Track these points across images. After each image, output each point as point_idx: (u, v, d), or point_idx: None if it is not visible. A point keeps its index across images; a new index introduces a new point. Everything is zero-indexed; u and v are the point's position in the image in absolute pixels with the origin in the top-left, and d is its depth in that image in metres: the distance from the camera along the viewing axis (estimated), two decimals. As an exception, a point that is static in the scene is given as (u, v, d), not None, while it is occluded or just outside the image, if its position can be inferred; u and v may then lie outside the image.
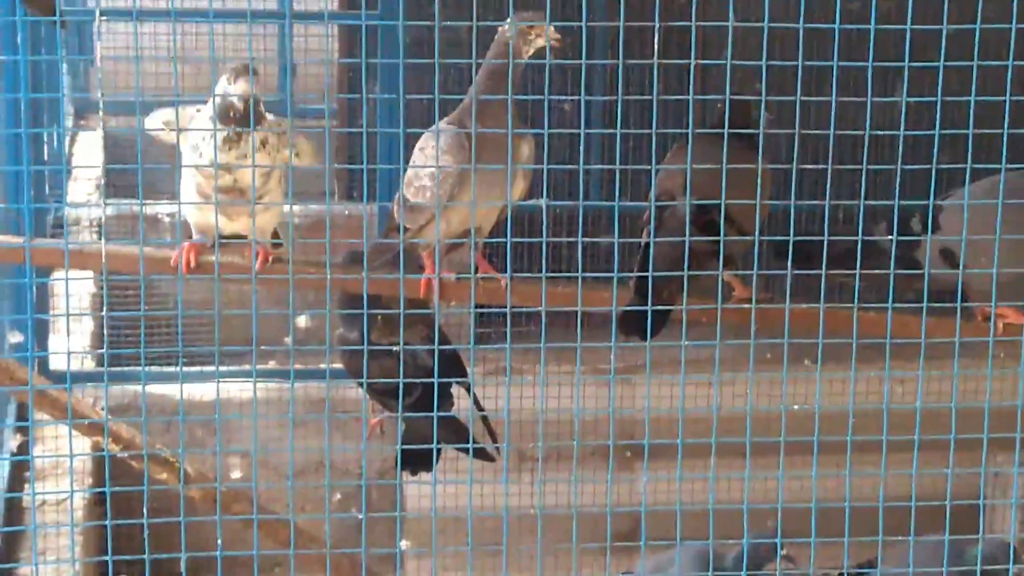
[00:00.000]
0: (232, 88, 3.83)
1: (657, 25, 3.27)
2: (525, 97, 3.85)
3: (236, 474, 5.29)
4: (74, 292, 5.58)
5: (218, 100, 3.84)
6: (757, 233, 3.78)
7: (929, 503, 3.78)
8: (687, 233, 3.70)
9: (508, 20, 3.81)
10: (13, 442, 5.72)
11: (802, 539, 4.13)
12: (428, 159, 3.90)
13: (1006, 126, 3.42)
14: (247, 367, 5.55)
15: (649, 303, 3.68)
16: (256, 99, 3.86)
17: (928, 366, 3.64)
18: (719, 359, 3.53)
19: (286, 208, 4.08)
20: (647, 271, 3.74)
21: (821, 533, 3.99)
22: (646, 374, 3.67)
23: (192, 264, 3.93)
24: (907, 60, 3.39)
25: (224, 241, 3.99)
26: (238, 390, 5.83)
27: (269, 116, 3.97)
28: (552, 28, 3.81)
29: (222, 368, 5.50)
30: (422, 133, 3.98)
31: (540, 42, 3.81)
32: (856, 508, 3.69)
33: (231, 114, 3.83)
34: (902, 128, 3.45)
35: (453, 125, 3.89)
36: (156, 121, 3.94)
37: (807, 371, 3.82)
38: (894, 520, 3.82)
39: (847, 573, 4.67)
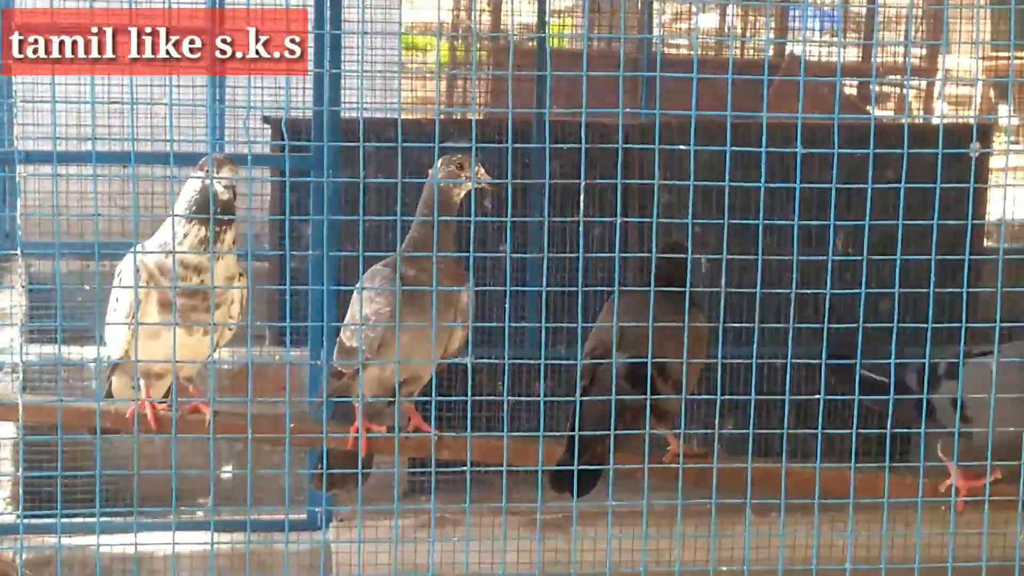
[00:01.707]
0: (217, 182, 3.84)
1: (582, 182, 3.37)
2: (458, 254, 3.92)
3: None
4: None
5: (195, 193, 3.89)
6: (684, 389, 3.88)
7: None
8: (618, 390, 3.74)
9: (439, 162, 3.83)
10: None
11: None
12: (362, 307, 3.91)
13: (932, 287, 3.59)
14: (170, 519, 5.58)
15: (575, 462, 3.73)
16: (235, 189, 3.89)
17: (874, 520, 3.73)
18: (646, 516, 3.62)
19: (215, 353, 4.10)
20: (577, 429, 3.80)
21: None
22: (573, 531, 3.75)
23: (154, 418, 3.98)
24: (832, 218, 3.53)
25: (163, 400, 4.04)
26: (163, 544, 5.85)
27: None
28: (481, 169, 3.88)
29: (143, 520, 5.55)
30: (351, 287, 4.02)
31: (470, 184, 3.87)
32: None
33: (215, 207, 3.81)
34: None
35: (390, 268, 3.92)
36: (128, 266, 3.94)
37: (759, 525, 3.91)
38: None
39: None
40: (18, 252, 7.28)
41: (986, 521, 3.90)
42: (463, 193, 3.90)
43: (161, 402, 4.08)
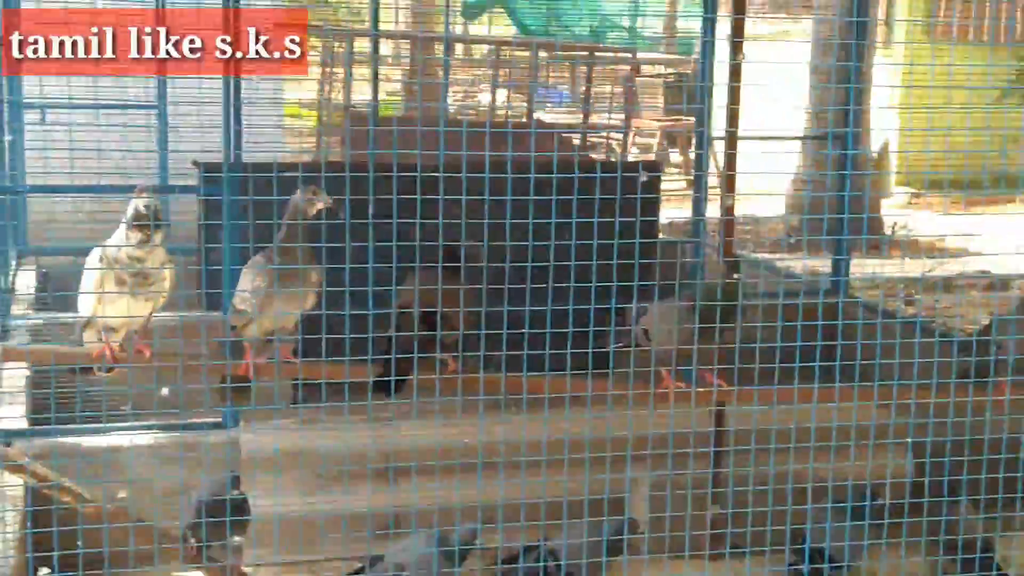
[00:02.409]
0: (140, 202, 3.77)
1: (371, 198, 3.39)
2: (311, 245, 3.90)
3: (122, 494, 5.09)
4: (15, 375, 5.47)
5: (135, 210, 3.79)
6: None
7: (579, 497, 4.08)
8: (415, 328, 3.80)
9: (299, 189, 3.91)
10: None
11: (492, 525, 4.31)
12: (247, 282, 3.94)
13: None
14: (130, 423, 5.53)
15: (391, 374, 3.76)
16: (157, 208, 3.82)
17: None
18: (416, 409, 3.63)
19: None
20: (390, 354, 3.80)
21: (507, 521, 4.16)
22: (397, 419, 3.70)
23: (112, 357, 3.88)
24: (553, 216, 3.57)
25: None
26: (128, 439, 5.67)
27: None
28: (327, 196, 3.91)
29: (114, 424, 5.45)
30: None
31: (320, 204, 3.90)
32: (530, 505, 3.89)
33: (142, 219, 3.75)
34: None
35: (265, 256, 3.93)
36: (94, 256, 3.85)
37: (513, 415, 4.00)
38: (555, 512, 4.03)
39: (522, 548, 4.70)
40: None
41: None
42: (314, 209, 3.91)
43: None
